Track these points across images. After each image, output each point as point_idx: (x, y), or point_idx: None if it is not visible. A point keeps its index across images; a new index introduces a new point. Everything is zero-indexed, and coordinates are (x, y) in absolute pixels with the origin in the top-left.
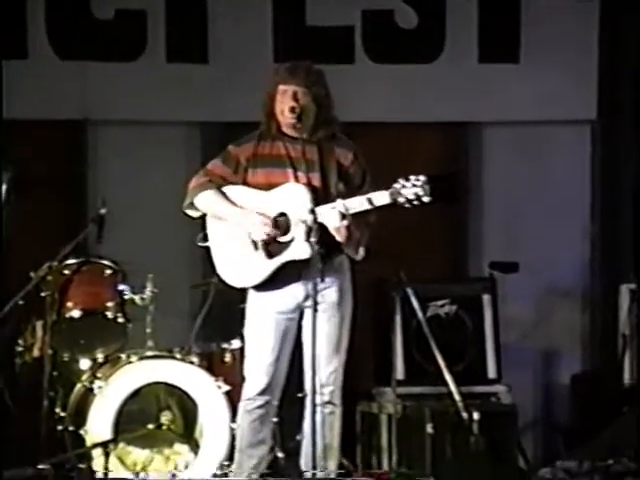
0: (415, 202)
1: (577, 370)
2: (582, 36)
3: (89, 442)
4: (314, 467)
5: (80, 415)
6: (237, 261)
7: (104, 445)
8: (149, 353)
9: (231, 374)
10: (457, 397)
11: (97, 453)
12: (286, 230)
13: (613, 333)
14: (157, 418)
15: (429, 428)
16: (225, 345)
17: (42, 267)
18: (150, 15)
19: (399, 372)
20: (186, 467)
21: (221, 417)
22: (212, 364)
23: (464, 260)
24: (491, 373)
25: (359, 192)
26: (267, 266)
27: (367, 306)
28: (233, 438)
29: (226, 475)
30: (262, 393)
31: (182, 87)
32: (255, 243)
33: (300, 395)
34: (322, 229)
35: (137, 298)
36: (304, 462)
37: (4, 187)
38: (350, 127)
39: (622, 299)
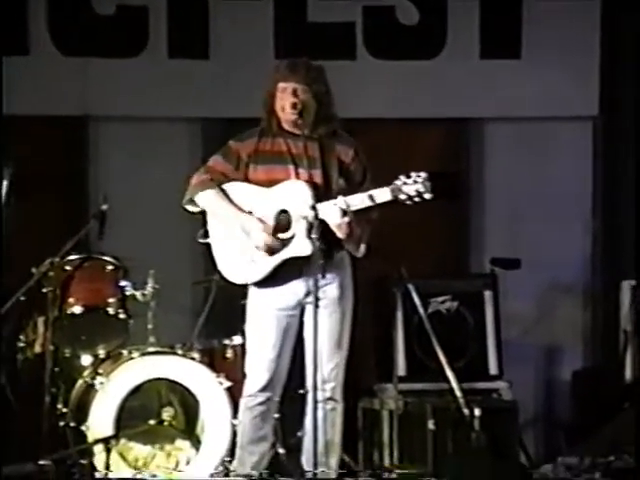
0: (416, 199)
1: (578, 366)
2: (584, 33)
3: (90, 438)
4: (315, 464)
5: (81, 411)
6: (238, 258)
7: (105, 441)
8: (150, 349)
9: (232, 370)
10: (458, 393)
11: (98, 449)
12: (287, 227)
13: (614, 329)
14: (158, 414)
15: (430, 424)
16: (226, 341)
17: (44, 263)
18: (151, 11)
19: (400, 368)
20: (187, 463)
21: (222, 413)
22: (213, 360)
23: (465, 256)
24: (492, 369)
25: (360, 189)
26: (268, 263)
27: (368, 302)
28: (234, 434)
29: (227, 471)
30: (263, 390)
31: (183, 83)
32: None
33: (301, 391)
34: (323, 225)
35: (138, 294)
36: (305, 459)
37: (5, 183)
38: (351, 123)
39: (623, 295)
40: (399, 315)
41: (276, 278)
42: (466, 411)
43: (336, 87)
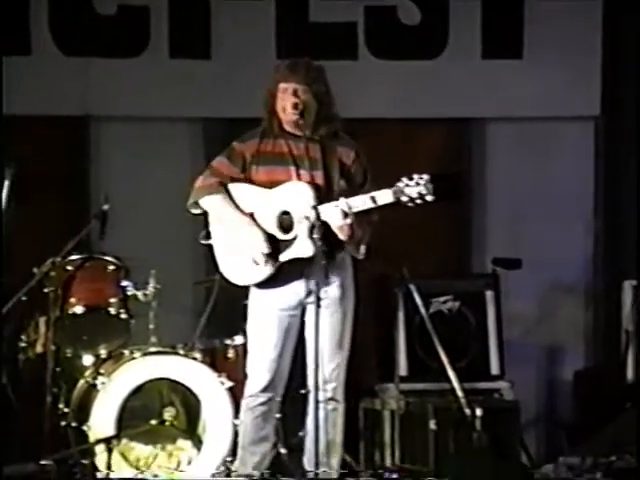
0: (418, 201)
1: (580, 366)
2: (585, 32)
3: (92, 438)
4: (317, 464)
5: (83, 411)
6: (239, 259)
7: (107, 441)
8: (152, 349)
9: (234, 370)
10: (460, 393)
11: (100, 449)
12: (289, 228)
13: (616, 329)
14: (160, 414)
15: (432, 424)
16: (228, 341)
17: (45, 263)
18: (153, 11)
19: (402, 368)
20: (189, 463)
21: (224, 413)
22: (215, 360)
23: (467, 256)
24: (494, 369)
25: (360, 190)
26: (270, 264)
27: (370, 302)
28: (236, 434)
29: (229, 471)
30: (265, 390)
31: (185, 83)
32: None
33: (303, 392)
34: (325, 226)
35: (140, 294)
36: (307, 459)
37: (6, 183)
38: (353, 123)
39: (625, 295)
40: (401, 315)
41: (278, 279)
42: (468, 411)
43: (338, 87)
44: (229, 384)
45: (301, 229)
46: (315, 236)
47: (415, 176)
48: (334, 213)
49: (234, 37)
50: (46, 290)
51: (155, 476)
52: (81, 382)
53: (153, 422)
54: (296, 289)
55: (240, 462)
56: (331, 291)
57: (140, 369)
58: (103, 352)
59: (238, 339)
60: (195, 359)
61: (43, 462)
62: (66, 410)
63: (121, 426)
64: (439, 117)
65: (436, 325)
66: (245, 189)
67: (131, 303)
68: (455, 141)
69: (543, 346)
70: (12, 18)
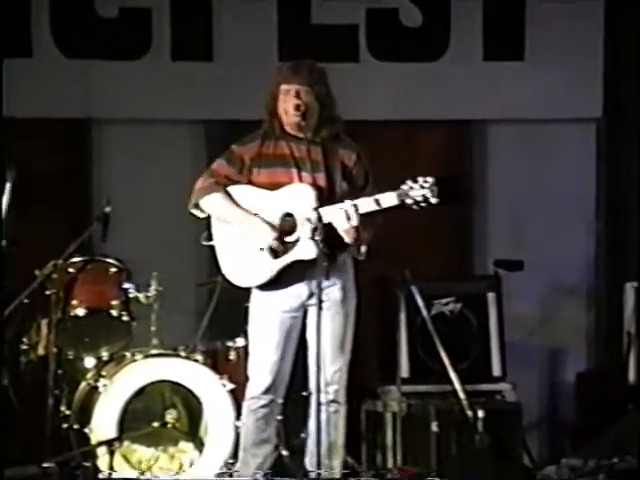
0: (423, 204)
1: (582, 368)
2: (587, 34)
3: (94, 440)
4: (319, 466)
5: (85, 413)
6: (242, 260)
7: (109, 443)
8: (154, 351)
9: (236, 372)
10: (462, 395)
11: (102, 451)
12: (292, 230)
13: (618, 331)
14: (162, 416)
15: (434, 426)
16: (230, 343)
17: (47, 265)
18: (154, 13)
19: (404, 370)
20: (191, 465)
21: (226, 415)
22: (217, 362)
23: (469, 258)
24: (496, 371)
25: (362, 192)
26: (272, 266)
27: (372, 304)
28: (238, 436)
29: (231, 474)
30: (266, 392)
31: (187, 85)
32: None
33: (304, 394)
34: (326, 228)
35: (142, 296)
36: (309, 461)
37: (8, 186)
38: (355, 125)
39: (627, 297)
40: (402, 317)
41: (279, 280)
42: (469, 413)
43: (339, 89)
44: (231, 386)
45: (303, 231)
46: (317, 238)
47: (420, 179)
48: (340, 215)
49: (236, 39)
50: (48, 292)
51: (156, 477)
52: (83, 384)
53: (155, 424)
54: (298, 291)
55: (242, 464)
56: (332, 293)
57: (142, 371)
58: (105, 354)
59: (240, 341)
60: (197, 361)
61: (45, 464)
62: (68, 412)
63: (123, 428)
64: (440, 119)
65: (438, 327)
66: (247, 191)
67: (133, 305)
68: (456, 143)
69: (545, 348)
70: (13, 20)
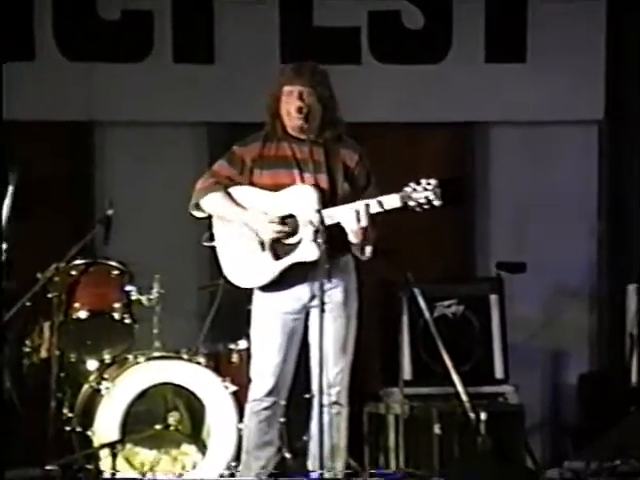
0: (426, 206)
1: (584, 370)
2: (589, 36)
3: (96, 443)
4: (321, 468)
5: (87, 416)
6: (243, 261)
7: (111, 446)
8: (156, 354)
9: (238, 375)
10: (464, 397)
11: (104, 454)
12: (294, 231)
13: (621, 333)
14: (164, 419)
15: (436, 428)
16: (232, 346)
17: (49, 268)
18: (156, 16)
19: (406, 372)
20: (193, 468)
21: (228, 418)
22: (219, 365)
23: (471, 260)
24: (498, 373)
25: (364, 193)
26: (274, 267)
27: (374, 306)
28: (240, 439)
29: (233, 475)
30: (269, 394)
31: (188, 88)
32: (262, 244)
33: (307, 396)
34: (328, 230)
35: (144, 299)
36: (311, 463)
37: (10, 188)
38: (357, 128)
39: (629, 299)
40: (405, 319)
41: (281, 282)
42: (472, 415)
43: (341, 92)
44: (233, 388)
45: (306, 232)
46: (319, 240)
47: (423, 181)
48: (350, 215)
49: (238, 42)
50: (50, 295)
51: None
52: (85, 387)
53: (157, 427)
54: (300, 293)
55: (244, 466)
56: (335, 295)
57: (144, 374)
58: (107, 357)
59: (242, 343)
60: (199, 364)
61: (47, 467)
62: (70, 415)
63: (125, 431)
64: (442, 121)
65: (440, 329)
66: (249, 192)
67: (135, 308)
68: (459, 145)
69: (547, 350)
70: (16, 23)
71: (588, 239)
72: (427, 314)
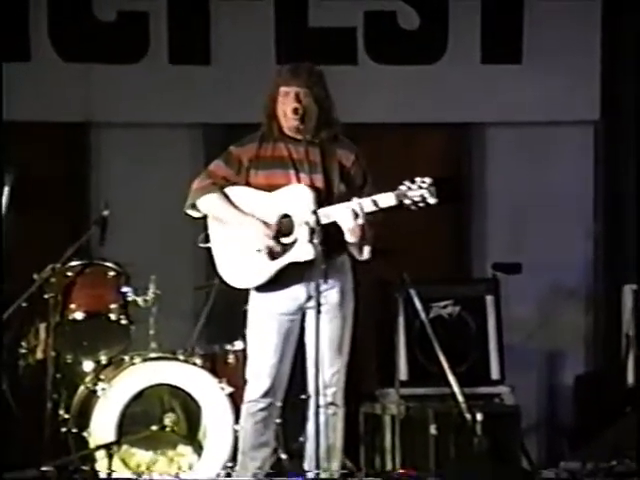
0: (420, 204)
1: (580, 371)
2: (584, 36)
3: (92, 444)
4: (317, 468)
5: (83, 417)
6: (239, 262)
7: (107, 447)
8: (152, 355)
9: (234, 375)
10: (460, 398)
11: (100, 455)
12: (289, 231)
13: (617, 334)
14: (161, 420)
15: (432, 429)
16: (228, 346)
17: (45, 269)
18: (152, 17)
19: (402, 373)
20: (190, 468)
21: (224, 419)
22: (215, 365)
23: (467, 261)
24: (494, 374)
25: (360, 193)
26: (270, 267)
27: (370, 307)
28: (236, 440)
29: (229, 476)
30: (265, 395)
31: (184, 89)
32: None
33: (303, 397)
34: (325, 230)
35: (140, 300)
36: (307, 463)
37: (6, 189)
38: (353, 128)
39: (625, 300)
40: (401, 320)
41: (277, 283)
42: (468, 416)
43: (337, 92)
44: (229, 389)
45: (301, 233)
46: (315, 240)
47: (417, 179)
48: (347, 214)
49: (234, 43)
50: (46, 296)
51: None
52: (81, 388)
53: (153, 428)
54: (296, 294)
55: (240, 467)
56: (331, 296)
57: (140, 375)
58: (103, 358)
59: (238, 344)
60: (195, 364)
61: (44, 468)
62: (66, 416)
63: (121, 432)
64: (439, 122)
65: (436, 330)
66: (244, 192)
67: (131, 309)
68: (455, 146)
69: (543, 351)
70: (11, 24)
71: (584, 239)
72: (423, 315)
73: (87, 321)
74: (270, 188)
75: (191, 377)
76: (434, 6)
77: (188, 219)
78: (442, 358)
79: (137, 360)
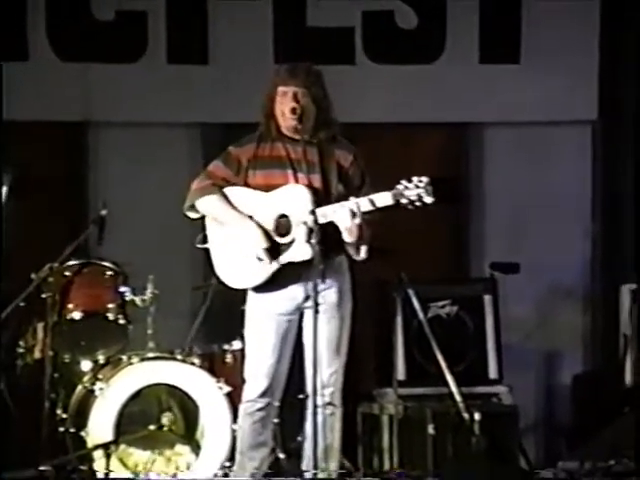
0: (417, 203)
1: (578, 370)
2: (583, 36)
3: (90, 444)
4: (315, 468)
5: (81, 417)
6: (237, 262)
7: (105, 447)
8: (150, 354)
9: (232, 375)
10: (458, 398)
11: (98, 455)
12: (287, 231)
13: (614, 333)
14: (158, 419)
15: (430, 429)
16: (226, 346)
17: (43, 269)
18: (150, 16)
19: (400, 373)
20: (187, 468)
21: (222, 418)
22: (213, 365)
23: (465, 261)
24: (492, 374)
25: (358, 193)
26: (267, 267)
27: (368, 307)
28: (234, 439)
29: (227, 476)
30: (263, 395)
31: (183, 88)
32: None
33: (301, 397)
34: (322, 230)
35: (138, 299)
36: (305, 463)
37: (5, 189)
38: (351, 128)
39: (623, 299)
40: (399, 320)
41: (275, 283)
42: (466, 415)
43: (336, 92)
44: (227, 389)
45: (299, 233)
46: (313, 240)
47: (414, 179)
48: (344, 213)
49: (231, 42)
50: (44, 296)
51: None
52: (79, 388)
53: (151, 427)
54: (294, 293)
55: (238, 467)
56: (329, 296)
57: (138, 374)
58: (101, 358)
59: (236, 344)
60: (193, 364)
61: (41, 468)
62: (64, 416)
63: (119, 431)
64: (437, 122)
65: (434, 330)
66: (242, 193)
67: (129, 308)
68: (453, 146)
69: (541, 350)
70: (9, 24)
71: (582, 239)
72: (421, 314)
73: (85, 321)
74: (268, 188)
75: (189, 377)
76: (432, 5)
77: (186, 219)
78: (440, 358)
79: (135, 360)
